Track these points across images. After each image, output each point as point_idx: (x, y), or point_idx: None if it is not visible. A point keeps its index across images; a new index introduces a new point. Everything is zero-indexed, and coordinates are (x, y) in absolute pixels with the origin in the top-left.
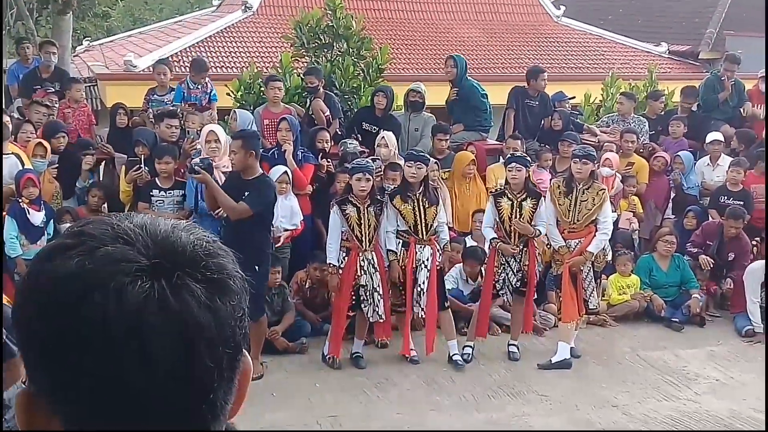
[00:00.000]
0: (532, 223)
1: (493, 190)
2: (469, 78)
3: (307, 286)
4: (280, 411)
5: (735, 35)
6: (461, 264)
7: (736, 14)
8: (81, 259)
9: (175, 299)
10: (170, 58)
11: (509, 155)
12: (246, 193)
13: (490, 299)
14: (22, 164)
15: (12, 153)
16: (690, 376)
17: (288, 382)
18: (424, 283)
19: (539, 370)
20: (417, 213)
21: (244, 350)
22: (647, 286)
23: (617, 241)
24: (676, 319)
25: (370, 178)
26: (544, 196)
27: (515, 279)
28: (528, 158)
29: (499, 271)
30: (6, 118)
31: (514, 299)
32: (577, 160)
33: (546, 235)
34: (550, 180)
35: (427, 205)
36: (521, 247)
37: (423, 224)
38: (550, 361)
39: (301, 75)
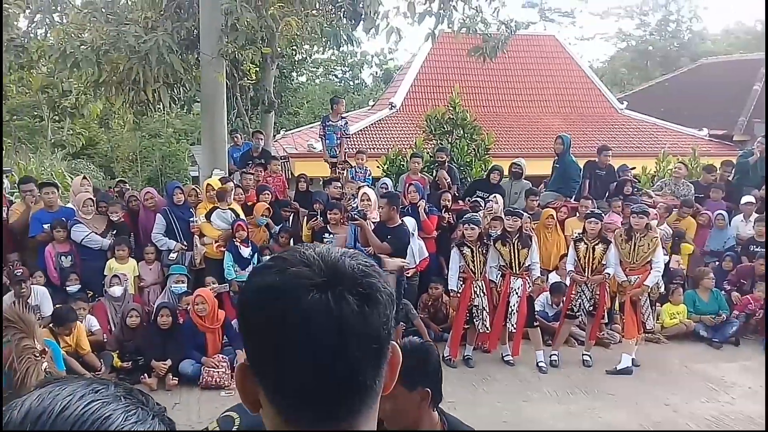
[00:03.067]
0: (603, 262)
1: (573, 237)
2: (570, 154)
3: (430, 303)
4: None
5: (762, 122)
6: (548, 293)
7: (762, 106)
8: (275, 275)
9: (335, 306)
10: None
11: (588, 211)
12: (389, 236)
13: (564, 318)
14: (236, 215)
15: (229, 208)
16: (727, 384)
17: None
18: (514, 305)
19: (607, 374)
20: (512, 253)
21: (393, 344)
22: (692, 313)
23: (672, 277)
24: (716, 339)
25: (476, 227)
26: (612, 242)
27: (589, 304)
28: (602, 214)
29: (576, 297)
30: (230, 185)
31: (588, 320)
32: (635, 215)
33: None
34: (621, 222)
35: (520, 247)
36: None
37: (516, 262)
38: (615, 368)
39: (430, 153)
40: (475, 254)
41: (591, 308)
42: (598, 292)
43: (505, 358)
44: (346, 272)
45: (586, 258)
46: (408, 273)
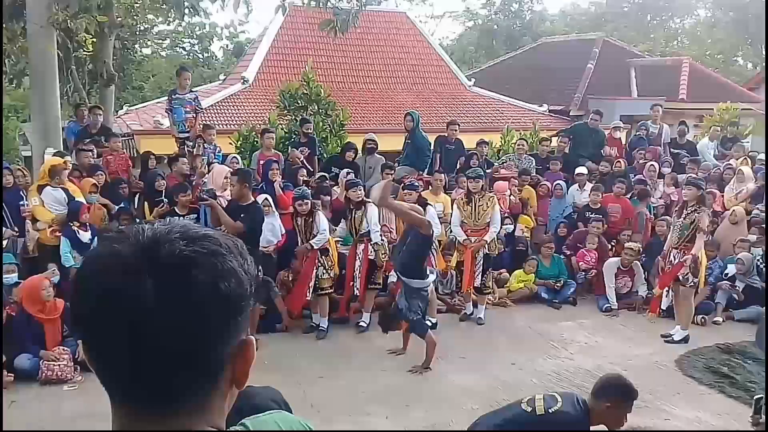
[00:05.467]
0: None
1: None
2: (420, 129)
3: (290, 280)
4: (270, 374)
5: (595, 98)
6: None
7: (596, 83)
8: (104, 248)
9: (134, 292)
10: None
11: (405, 183)
12: (242, 215)
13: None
14: (69, 197)
15: (60, 187)
16: (566, 341)
17: (276, 353)
18: (357, 269)
19: (458, 338)
20: (353, 221)
21: (250, 338)
22: (536, 277)
23: (516, 244)
24: (556, 301)
25: (306, 201)
26: (431, 205)
27: None
28: (417, 185)
29: None
30: (68, 161)
31: None
32: (472, 180)
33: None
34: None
35: (357, 215)
36: None
37: (355, 230)
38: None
39: (285, 129)
40: (303, 225)
41: None
42: None
43: (360, 323)
44: (161, 257)
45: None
46: (269, 249)
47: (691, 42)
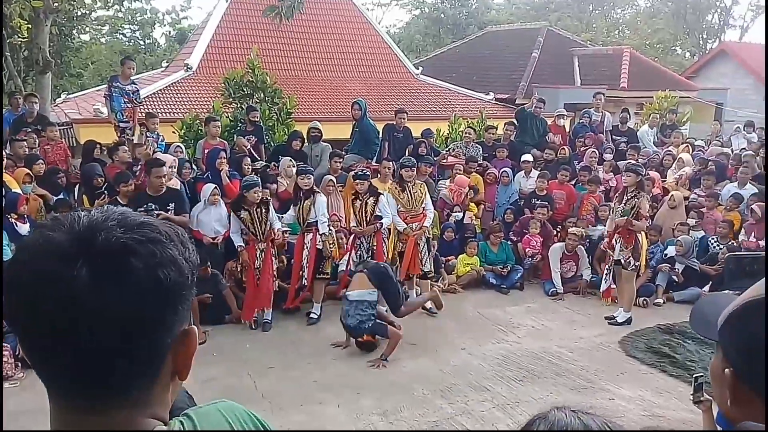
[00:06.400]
0: (375, 213)
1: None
2: (368, 117)
3: (238, 270)
4: (220, 366)
5: (539, 86)
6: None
7: (540, 72)
8: (38, 236)
9: (69, 278)
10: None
11: (354, 172)
12: (171, 204)
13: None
14: (6, 189)
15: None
16: (514, 325)
17: (225, 344)
18: (304, 259)
19: (407, 325)
20: (301, 210)
21: (191, 328)
22: (483, 263)
23: (465, 230)
24: (504, 286)
25: (256, 189)
26: (383, 194)
27: (366, 256)
28: (367, 174)
29: (357, 249)
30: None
31: None
32: (407, 169)
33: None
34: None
35: (305, 204)
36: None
37: (303, 219)
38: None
39: (230, 117)
40: (254, 217)
41: (369, 257)
42: (374, 243)
43: (311, 314)
44: (98, 244)
45: (361, 212)
46: (218, 240)
47: (632, 32)
